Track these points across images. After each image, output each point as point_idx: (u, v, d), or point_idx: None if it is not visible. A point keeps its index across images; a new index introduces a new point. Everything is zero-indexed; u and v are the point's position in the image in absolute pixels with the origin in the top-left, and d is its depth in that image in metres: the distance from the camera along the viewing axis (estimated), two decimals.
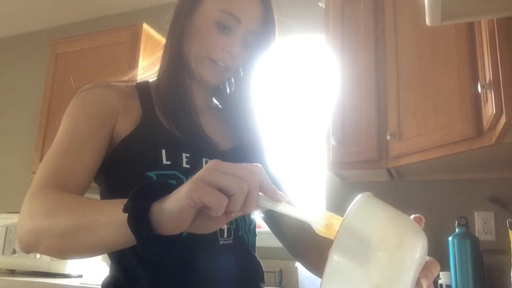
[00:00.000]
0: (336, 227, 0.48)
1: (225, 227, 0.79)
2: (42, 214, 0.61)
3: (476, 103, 1.49)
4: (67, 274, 2.25)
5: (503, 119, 1.28)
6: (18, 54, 3.54)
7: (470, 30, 1.54)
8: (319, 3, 2.39)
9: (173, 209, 0.48)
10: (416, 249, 0.45)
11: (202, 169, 0.48)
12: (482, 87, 1.38)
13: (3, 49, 3.63)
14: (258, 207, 0.49)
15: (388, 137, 1.85)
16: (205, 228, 0.51)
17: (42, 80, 2.91)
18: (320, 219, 0.49)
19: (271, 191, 0.49)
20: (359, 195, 0.48)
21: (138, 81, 0.91)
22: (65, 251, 0.60)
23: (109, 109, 0.79)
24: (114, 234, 0.54)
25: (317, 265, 0.88)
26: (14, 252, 2.37)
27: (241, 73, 0.94)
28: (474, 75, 1.51)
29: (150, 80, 0.91)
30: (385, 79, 1.96)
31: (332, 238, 0.46)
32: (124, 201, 0.52)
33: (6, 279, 2.12)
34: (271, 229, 0.98)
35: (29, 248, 0.62)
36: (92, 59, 2.66)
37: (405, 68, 1.86)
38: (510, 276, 1.55)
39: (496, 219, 1.99)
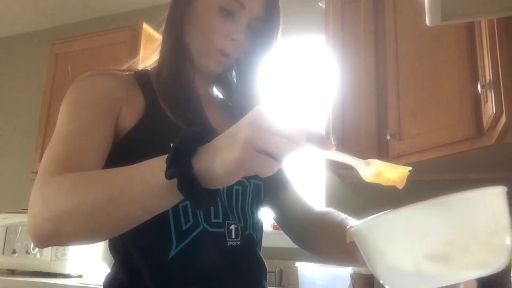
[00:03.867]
0: (385, 175, 0.49)
1: (232, 227, 0.76)
2: (61, 197, 0.55)
3: (476, 103, 1.49)
4: (67, 274, 2.25)
5: (503, 119, 1.28)
6: (18, 54, 3.55)
7: (470, 30, 1.54)
8: (319, 3, 2.39)
9: (223, 173, 0.48)
10: (500, 256, 0.45)
11: (248, 125, 0.46)
12: (482, 87, 1.37)
13: (3, 49, 3.63)
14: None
15: (388, 137, 1.85)
16: (248, 173, 0.49)
17: (42, 80, 2.92)
18: (369, 165, 0.50)
19: (320, 141, 0.49)
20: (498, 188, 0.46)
21: (136, 70, 0.86)
22: (95, 231, 0.56)
23: (112, 97, 0.74)
24: (156, 199, 0.52)
25: (327, 252, 0.84)
26: (14, 252, 2.37)
27: (244, 62, 0.89)
28: (474, 75, 1.50)
29: (149, 69, 0.87)
30: (385, 79, 1.96)
31: (381, 183, 0.49)
32: (152, 162, 0.52)
33: (6, 279, 2.13)
34: (276, 221, 0.94)
35: (47, 240, 0.56)
36: (92, 59, 2.67)
37: (405, 68, 1.86)
38: (510, 276, 1.54)
39: None
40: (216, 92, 0.95)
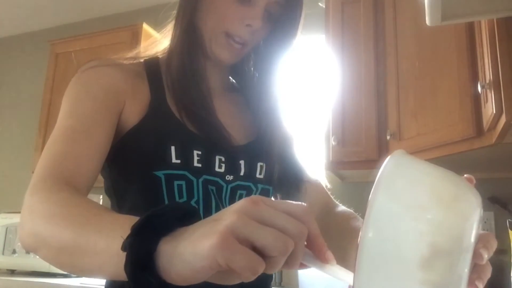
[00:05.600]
0: None
1: None
2: (42, 218, 0.53)
3: (476, 103, 1.49)
4: (67, 274, 2.25)
5: (503, 119, 1.28)
6: (18, 54, 3.54)
7: (470, 30, 1.54)
8: (319, 3, 2.39)
9: (188, 264, 0.35)
10: (475, 204, 0.38)
11: (233, 211, 0.36)
12: (482, 87, 1.38)
13: (3, 49, 3.63)
14: (300, 264, 0.38)
15: (388, 137, 1.85)
16: (225, 280, 0.38)
17: (42, 80, 2.92)
18: None
19: (319, 247, 0.38)
20: (393, 153, 0.40)
21: (146, 58, 0.80)
22: (62, 267, 0.52)
23: (115, 91, 0.70)
24: (113, 265, 0.41)
25: (340, 262, 0.73)
26: (14, 252, 2.37)
27: (262, 49, 0.82)
28: (474, 75, 1.51)
29: (160, 56, 0.81)
30: (385, 79, 1.96)
31: None
32: (131, 221, 0.40)
33: (6, 279, 2.12)
34: None
35: (30, 251, 0.56)
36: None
37: (405, 68, 1.86)
38: (510, 276, 1.54)
39: (496, 219, 1.99)
40: (232, 82, 0.89)
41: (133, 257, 0.37)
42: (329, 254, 0.38)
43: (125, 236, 0.38)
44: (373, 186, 0.38)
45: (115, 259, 0.40)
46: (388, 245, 0.36)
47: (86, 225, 0.48)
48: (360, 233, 0.36)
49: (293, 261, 0.36)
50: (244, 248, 0.34)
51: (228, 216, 0.35)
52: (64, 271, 0.54)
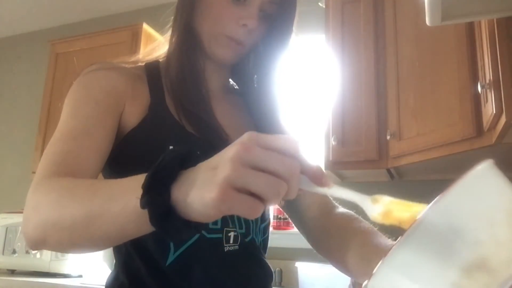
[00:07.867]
0: (396, 214, 0.41)
1: (231, 234, 0.73)
2: (48, 206, 0.54)
3: (476, 103, 1.49)
4: (67, 274, 2.25)
5: (503, 119, 1.28)
6: (18, 54, 3.54)
7: (470, 30, 1.54)
8: (319, 3, 2.39)
9: (199, 211, 0.41)
10: None
11: (229, 161, 0.38)
12: (482, 87, 1.38)
13: (3, 49, 3.63)
14: (299, 191, 0.41)
15: (388, 137, 1.85)
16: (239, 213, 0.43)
17: (42, 80, 2.92)
18: (376, 202, 0.42)
19: (314, 176, 0.42)
20: (484, 161, 0.39)
21: (147, 62, 0.82)
22: (76, 244, 0.54)
23: (116, 93, 0.72)
24: (135, 222, 0.46)
25: (344, 262, 0.72)
26: (14, 252, 2.37)
27: (261, 49, 0.83)
28: (474, 75, 1.51)
29: (161, 60, 0.83)
30: (385, 79, 1.96)
31: (390, 223, 0.41)
32: (137, 181, 0.44)
33: (6, 279, 2.13)
34: (291, 220, 0.88)
35: (37, 245, 0.56)
36: (92, 59, 2.66)
37: (405, 68, 1.86)
38: None
39: None
40: (232, 83, 0.90)
41: (155, 212, 0.42)
42: (326, 180, 0.42)
43: (139, 196, 0.43)
44: (457, 181, 0.37)
45: (134, 216, 0.45)
46: (442, 233, 0.36)
47: (95, 196, 0.50)
48: (422, 211, 0.37)
49: (290, 195, 0.40)
50: (242, 195, 0.38)
51: (224, 167, 0.39)
52: (81, 248, 0.55)
